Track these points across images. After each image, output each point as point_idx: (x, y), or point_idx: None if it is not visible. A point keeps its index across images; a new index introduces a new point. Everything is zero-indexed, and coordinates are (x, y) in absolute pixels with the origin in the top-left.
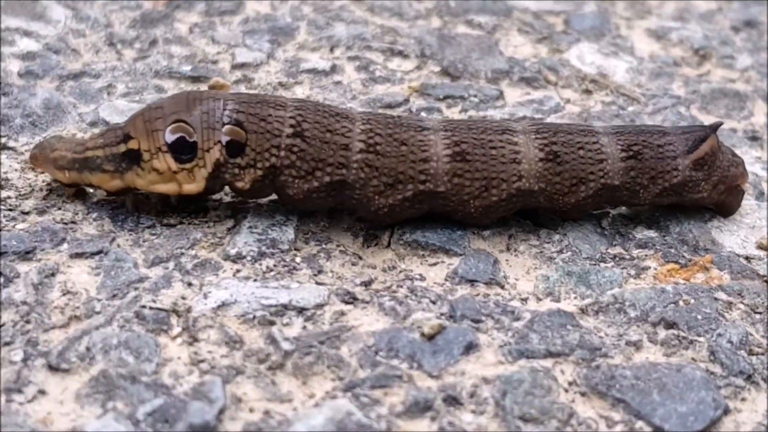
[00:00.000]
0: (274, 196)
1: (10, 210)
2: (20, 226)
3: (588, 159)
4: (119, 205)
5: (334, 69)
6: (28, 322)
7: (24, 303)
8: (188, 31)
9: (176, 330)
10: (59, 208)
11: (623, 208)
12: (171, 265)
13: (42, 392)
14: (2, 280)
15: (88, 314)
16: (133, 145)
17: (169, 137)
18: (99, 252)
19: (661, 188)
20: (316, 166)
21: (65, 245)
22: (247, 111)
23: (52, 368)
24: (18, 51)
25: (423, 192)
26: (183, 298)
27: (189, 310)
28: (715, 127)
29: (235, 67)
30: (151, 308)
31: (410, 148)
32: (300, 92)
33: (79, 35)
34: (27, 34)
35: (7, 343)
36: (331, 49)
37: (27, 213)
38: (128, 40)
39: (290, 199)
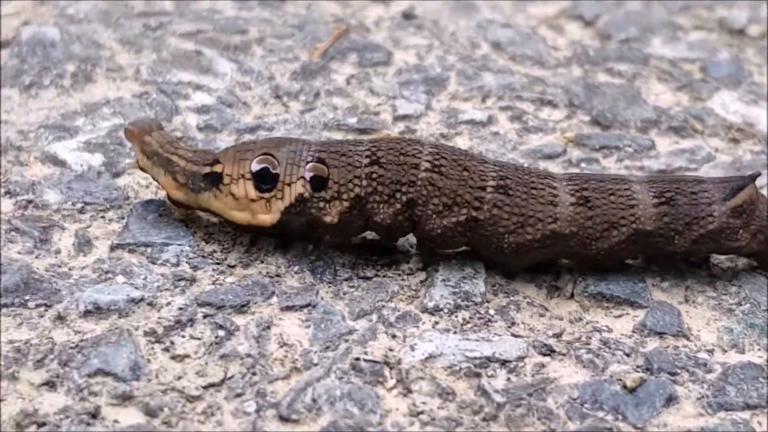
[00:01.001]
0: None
1: (218, 264)
2: (230, 279)
3: (620, 204)
4: (316, 259)
5: (490, 120)
6: (254, 374)
7: (248, 355)
8: (345, 83)
9: (391, 382)
10: (261, 261)
11: None
12: (374, 317)
13: None
14: (224, 333)
15: (307, 366)
16: (218, 168)
17: (255, 166)
18: (307, 305)
19: (697, 235)
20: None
21: (275, 298)
22: (329, 150)
23: (283, 419)
24: (193, 105)
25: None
26: (390, 349)
27: (399, 362)
28: (753, 177)
29: (397, 118)
30: (365, 360)
31: (470, 175)
32: (461, 143)
33: (246, 88)
34: (199, 87)
35: (238, 395)
36: (483, 99)
37: (233, 266)
38: (293, 92)
39: (377, 226)
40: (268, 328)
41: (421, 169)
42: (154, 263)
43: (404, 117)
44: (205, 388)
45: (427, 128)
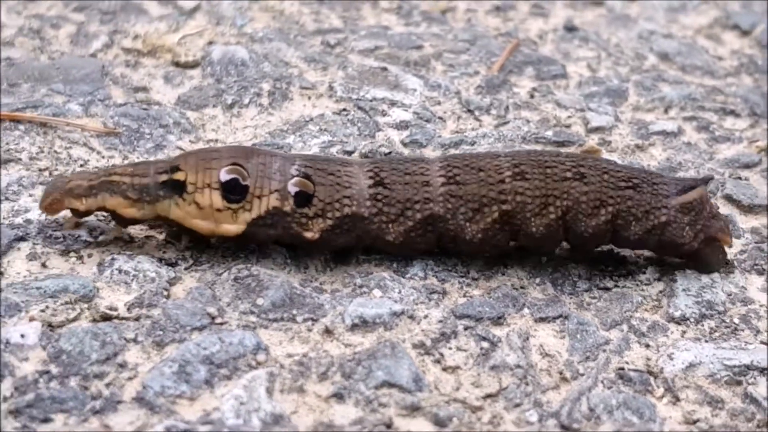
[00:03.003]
0: None
1: (462, 276)
2: (476, 291)
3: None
4: (554, 270)
5: (680, 131)
6: (527, 384)
7: (518, 366)
8: (529, 96)
9: (659, 391)
10: (502, 274)
11: None
12: (625, 327)
13: None
14: (488, 345)
15: (574, 376)
16: (179, 176)
17: (224, 176)
18: (559, 316)
19: (652, 225)
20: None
21: (526, 310)
22: (315, 167)
23: (564, 428)
24: (392, 121)
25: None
26: (648, 359)
27: (661, 371)
28: (706, 180)
29: (590, 131)
30: (630, 370)
31: (488, 173)
32: (655, 154)
33: (435, 103)
34: (393, 103)
35: (517, 405)
36: (666, 110)
37: (476, 279)
38: (483, 106)
39: (388, 244)
40: (527, 339)
41: (437, 185)
42: (403, 277)
43: (597, 129)
44: (484, 398)
45: (620, 140)
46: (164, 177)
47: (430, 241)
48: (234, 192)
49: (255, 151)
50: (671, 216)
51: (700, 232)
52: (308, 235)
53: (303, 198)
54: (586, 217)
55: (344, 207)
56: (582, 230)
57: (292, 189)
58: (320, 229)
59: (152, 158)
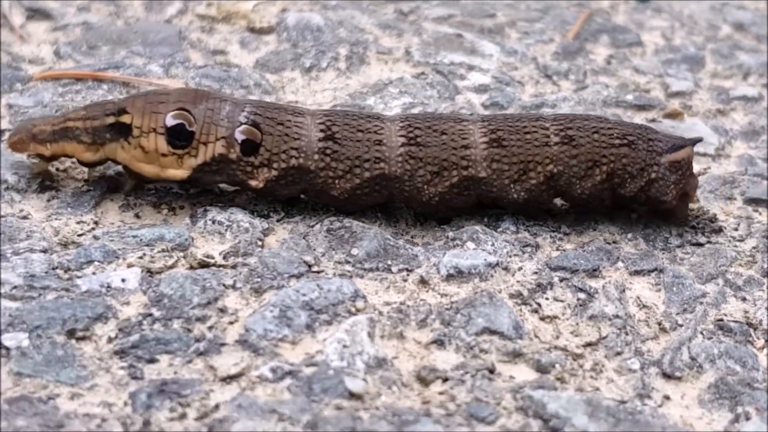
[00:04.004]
0: None
1: (554, 231)
2: (569, 246)
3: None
4: (645, 226)
5: (760, 96)
6: (627, 333)
7: (616, 316)
8: (606, 63)
9: (760, 342)
10: (594, 229)
11: None
12: (720, 281)
13: (666, 397)
14: (585, 296)
15: (672, 327)
16: (125, 119)
17: (170, 121)
18: (654, 269)
19: (646, 181)
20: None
21: (620, 263)
22: (264, 114)
23: (667, 376)
24: (470, 84)
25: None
26: (746, 312)
27: (760, 323)
28: (695, 141)
29: (670, 95)
30: (729, 321)
31: (450, 137)
32: (737, 118)
33: (512, 68)
34: (471, 68)
35: (618, 353)
36: (744, 77)
37: (568, 234)
38: (561, 72)
39: (334, 200)
40: (623, 291)
41: (396, 145)
42: (495, 230)
43: (677, 94)
44: (584, 346)
45: (701, 104)
46: (111, 120)
47: (376, 199)
48: (179, 138)
49: (204, 95)
50: (660, 173)
51: (681, 189)
52: (252, 183)
53: (250, 146)
54: (580, 179)
55: (291, 158)
56: (578, 193)
57: (239, 137)
58: (265, 179)
59: None
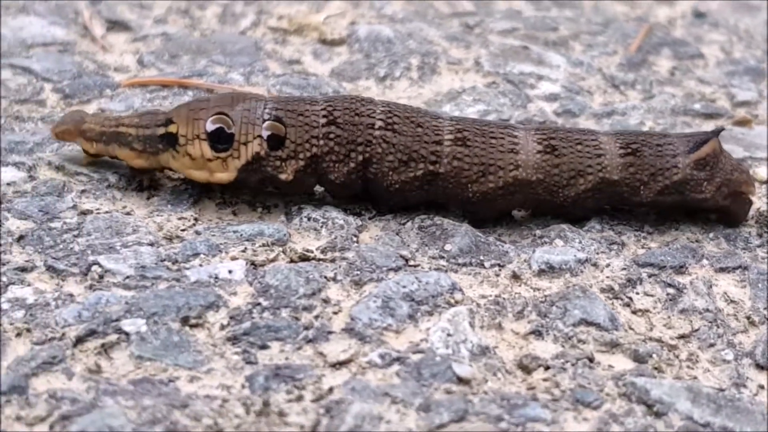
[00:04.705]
0: None
1: (638, 230)
2: (653, 244)
3: (586, 153)
4: (725, 227)
5: None
6: (718, 326)
7: (706, 310)
8: (669, 74)
9: None
10: (675, 229)
11: None
12: None
13: (761, 387)
14: (674, 291)
15: (761, 321)
16: (172, 129)
17: (210, 126)
18: (739, 267)
19: (662, 186)
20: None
21: (705, 261)
22: (285, 108)
23: (759, 366)
24: (541, 93)
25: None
26: None
27: None
28: (717, 132)
29: (736, 104)
30: None
31: (425, 131)
32: None
33: (579, 78)
34: (540, 77)
35: (711, 345)
36: None
37: (651, 233)
38: (628, 82)
39: (333, 185)
40: (711, 287)
41: (376, 127)
42: (581, 229)
43: (743, 103)
44: (678, 338)
45: (767, 113)
46: (162, 130)
47: (360, 186)
48: (220, 141)
49: (241, 96)
50: (687, 174)
51: (722, 186)
52: (282, 177)
53: (276, 141)
54: (561, 188)
55: (312, 147)
56: (560, 201)
57: (265, 133)
58: (293, 170)
59: None
